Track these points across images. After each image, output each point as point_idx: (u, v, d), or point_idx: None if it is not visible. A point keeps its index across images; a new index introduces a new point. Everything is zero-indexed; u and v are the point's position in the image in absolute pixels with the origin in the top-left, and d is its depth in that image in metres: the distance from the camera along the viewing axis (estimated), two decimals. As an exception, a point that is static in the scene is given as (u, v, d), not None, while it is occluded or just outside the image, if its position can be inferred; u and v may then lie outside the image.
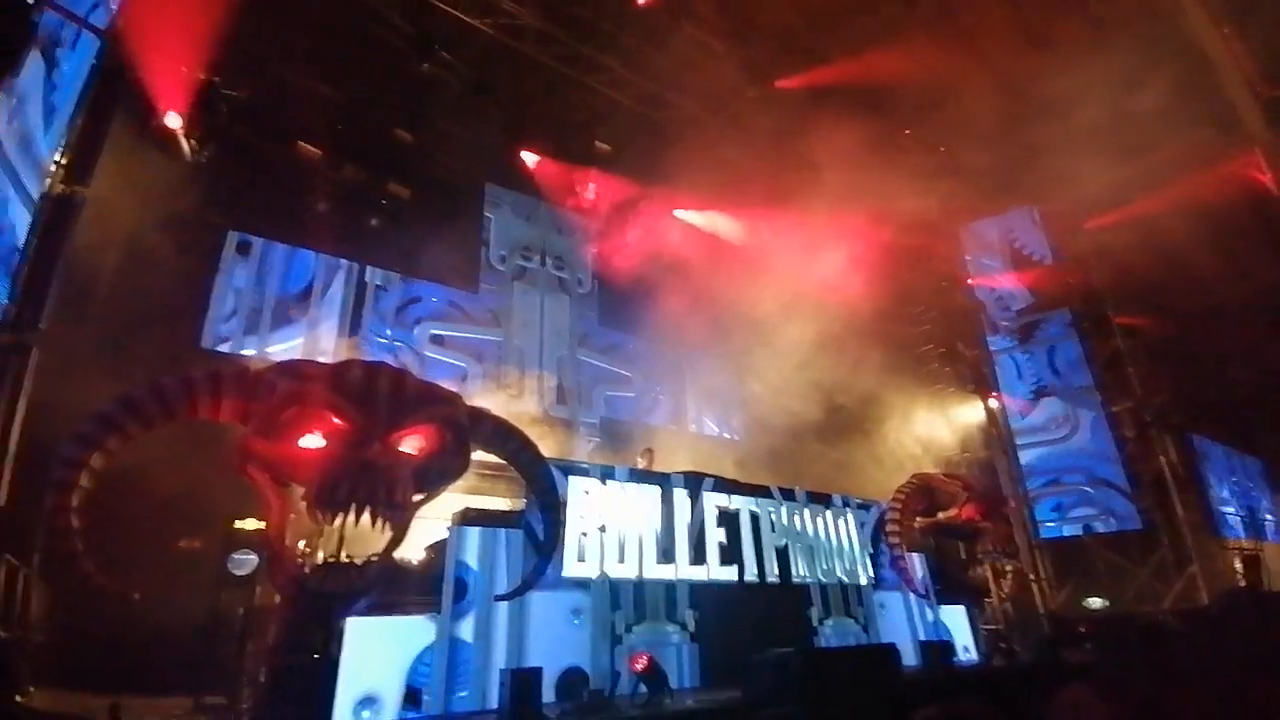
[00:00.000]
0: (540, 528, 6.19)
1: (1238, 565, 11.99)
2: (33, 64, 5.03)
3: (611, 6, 10.89)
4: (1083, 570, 12.74)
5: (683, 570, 7.30)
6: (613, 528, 7.02)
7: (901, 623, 9.11)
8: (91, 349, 7.16)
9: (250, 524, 6.54)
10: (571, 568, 6.58)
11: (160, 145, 8.02)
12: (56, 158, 6.21)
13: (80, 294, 7.09)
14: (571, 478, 6.99)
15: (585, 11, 10.91)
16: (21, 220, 5.57)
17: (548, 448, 7.68)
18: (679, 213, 14.36)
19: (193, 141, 8.26)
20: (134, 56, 6.99)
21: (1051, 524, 13.34)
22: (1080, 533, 12.99)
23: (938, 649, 7.94)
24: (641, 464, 9.13)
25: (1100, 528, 12.81)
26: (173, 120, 7.94)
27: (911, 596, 9.39)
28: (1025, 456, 13.91)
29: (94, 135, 6.83)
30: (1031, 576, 12.76)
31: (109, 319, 7.72)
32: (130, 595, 4.65)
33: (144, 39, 7.02)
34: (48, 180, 6.06)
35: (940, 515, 10.51)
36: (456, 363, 11.41)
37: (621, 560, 6.93)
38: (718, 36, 11.62)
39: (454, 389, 6.49)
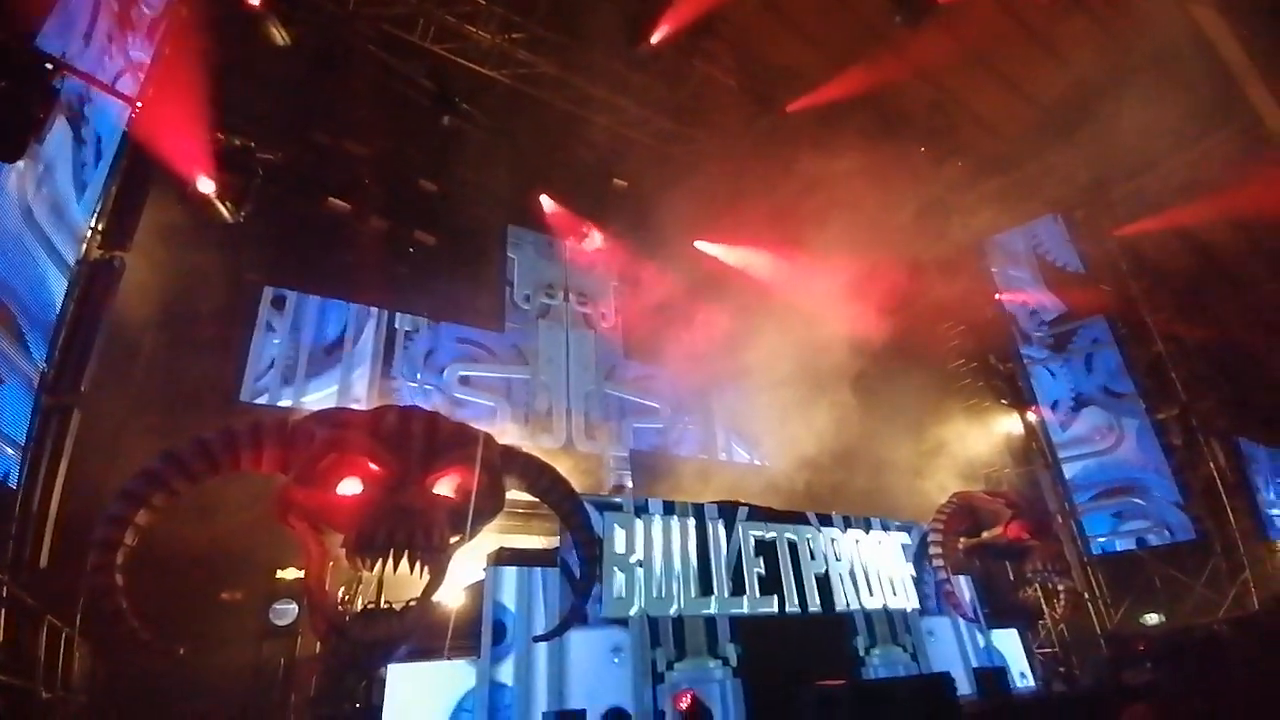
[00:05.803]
0: (577, 565, 6.15)
1: None
2: (58, 130, 5.20)
3: (622, 50, 11.18)
4: (1139, 586, 12.23)
5: (722, 603, 7.18)
6: (650, 562, 6.96)
7: (952, 649, 8.82)
8: (132, 408, 7.38)
9: (291, 574, 6.61)
10: (610, 605, 6.52)
11: (196, 208, 8.32)
12: (92, 223, 6.45)
13: (121, 355, 7.30)
14: (606, 513, 6.96)
15: (597, 57, 11.21)
16: (58, 285, 5.76)
17: (579, 483, 7.67)
18: (699, 244, 14.47)
19: (228, 204, 8.56)
20: (165, 122, 7.27)
21: (1103, 538, 12.84)
22: (1134, 547, 12.49)
23: (993, 676, 7.64)
24: None
25: (1154, 540, 12.31)
26: (206, 184, 8.23)
27: (961, 621, 9.09)
28: (1070, 470, 13.47)
29: (129, 200, 7.10)
30: (1085, 595, 12.25)
31: (149, 378, 7.96)
32: (175, 650, 4.70)
33: (174, 105, 7.32)
34: (84, 245, 6.29)
35: (984, 535, 10.21)
36: (486, 402, 11.52)
37: (660, 595, 6.85)
38: (728, 71, 11.83)
39: (485, 429, 6.53)
